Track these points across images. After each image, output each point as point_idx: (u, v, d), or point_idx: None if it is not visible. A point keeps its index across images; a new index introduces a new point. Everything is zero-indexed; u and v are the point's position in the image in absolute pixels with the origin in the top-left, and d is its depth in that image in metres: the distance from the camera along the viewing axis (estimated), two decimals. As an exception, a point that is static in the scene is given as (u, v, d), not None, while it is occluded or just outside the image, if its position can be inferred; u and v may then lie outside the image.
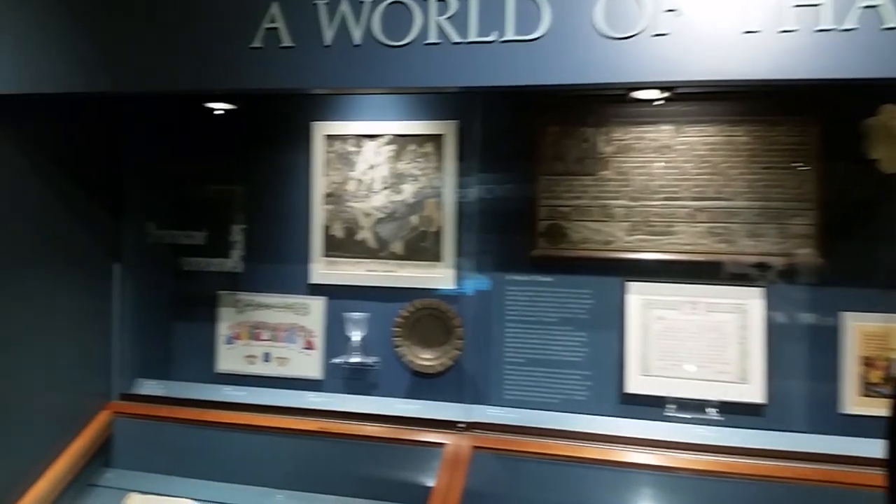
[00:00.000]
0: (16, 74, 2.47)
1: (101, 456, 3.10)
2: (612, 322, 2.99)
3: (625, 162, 2.97)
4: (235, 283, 3.40)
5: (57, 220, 2.90)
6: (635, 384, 2.95)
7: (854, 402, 2.77)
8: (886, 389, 2.73)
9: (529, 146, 3.05)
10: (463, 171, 3.15)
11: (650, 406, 2.92)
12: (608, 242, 2.99)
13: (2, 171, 2.62)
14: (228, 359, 3.42)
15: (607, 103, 2.96)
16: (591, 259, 3.01)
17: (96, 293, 3.15)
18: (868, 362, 2.76)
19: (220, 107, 3.19)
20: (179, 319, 3.49)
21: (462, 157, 3.16)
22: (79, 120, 3.02)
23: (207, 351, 3.43)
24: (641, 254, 2.95)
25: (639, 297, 2.96)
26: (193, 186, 3.41)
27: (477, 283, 3.15)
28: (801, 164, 2.80)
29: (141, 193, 3.32)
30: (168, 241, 3.37)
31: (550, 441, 2.84)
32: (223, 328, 3.43)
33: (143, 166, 3.32)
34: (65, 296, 2.96)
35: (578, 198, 3.02)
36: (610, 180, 2.98)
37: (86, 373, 3.11)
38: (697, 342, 2.89)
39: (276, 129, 3.36)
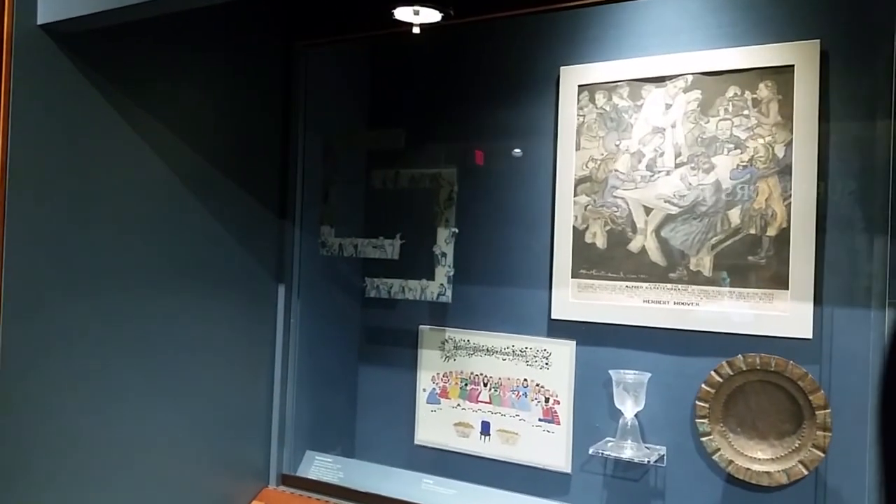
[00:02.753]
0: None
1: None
2: None
3: None
4: (442, 314, 2.29)
5: (206, 217, 1.98)
6: None
7: None
8: None
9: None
10: (833, 130, 1.78)
11: None
12: None
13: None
14: (430, 426, 2.31)
15: None
16: None
17: (254, 329, 2.19)
18: None
19: (423, 20, 1.83)
20: (364, 364, 2.45)
21: (828, 104, 1.78)
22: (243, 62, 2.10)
23: (402, 412, 2.35)
24: None
25: None
26: (383, 170, 2.35)
27: (855, 327, 1.74)
28: None
29: (314, 181, 2.33)
30: (349, 253, 2.33)
31: None
32: (424, 379, 2.33)
33: (314, 140, 2.32)
34: (212, 331, 2.03)
35: None
36: None
37: (235, 445, 2.15)
38: None
39: (503, 79, 2.22)
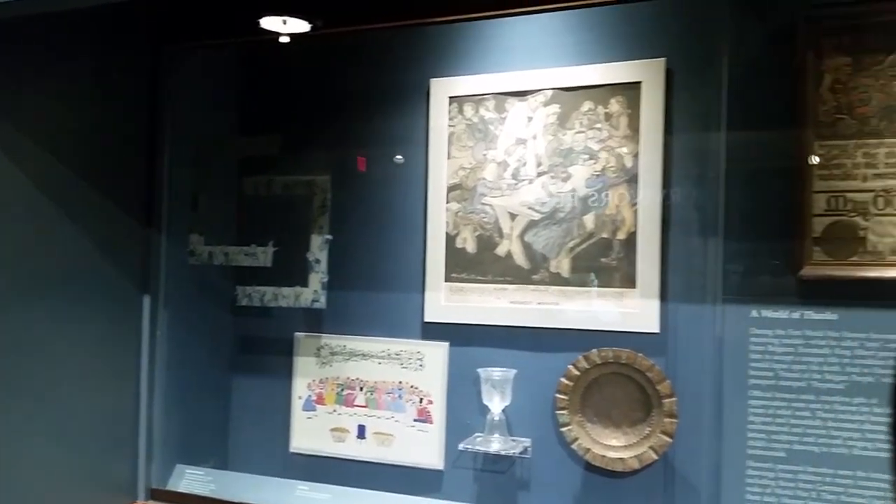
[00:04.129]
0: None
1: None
2: (959, 394, 1.68)
3: (978, 110, 1.69)
4: (316, 321, 2.31)
5: (66, 225, 1.90)
6: None
7: None
8: None
9: (793, 94, 1.82)
10: (675, 143, 1.96)
11: None
12: (948, 252, 1.70)
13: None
14: (306, 433, 2.32)
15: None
16: (913, 282, 1.73)
17: (119, 339, 2.12)
18: None
19: (291, 30, 1.89)
20: (237, 374, 2.42)
21: (671, 118, 1.96)
22: (104, 72, 2.03)
23: (277, 421, 2.34)
24: None
25: None
26: (255, 177, 2.35)
27: (697, 322, 1.93)
28: None
29: (183, 189, 2.28)
30: (220, 261, 2.30)
31: None
32: (300, 387, 2.33)
33: (182, 147, 2.28)
34: (74, 341, 1.95)
35: (886, 176, 1.75)
36: (948, 143, 1.71)
37: (100, 458, 2.07)
38: None
39: (375, 90, 2.28)
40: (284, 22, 1.71)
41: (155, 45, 2.17)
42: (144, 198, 2.18)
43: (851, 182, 1.78)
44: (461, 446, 2.05)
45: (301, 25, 1.76)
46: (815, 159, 1.79)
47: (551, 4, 1.93)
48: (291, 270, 2.23)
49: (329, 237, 2.20)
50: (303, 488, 2.13)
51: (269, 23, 1.74)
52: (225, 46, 2.24)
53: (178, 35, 2.16)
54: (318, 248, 2.19)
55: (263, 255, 2.21)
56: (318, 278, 2.20)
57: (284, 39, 1.72)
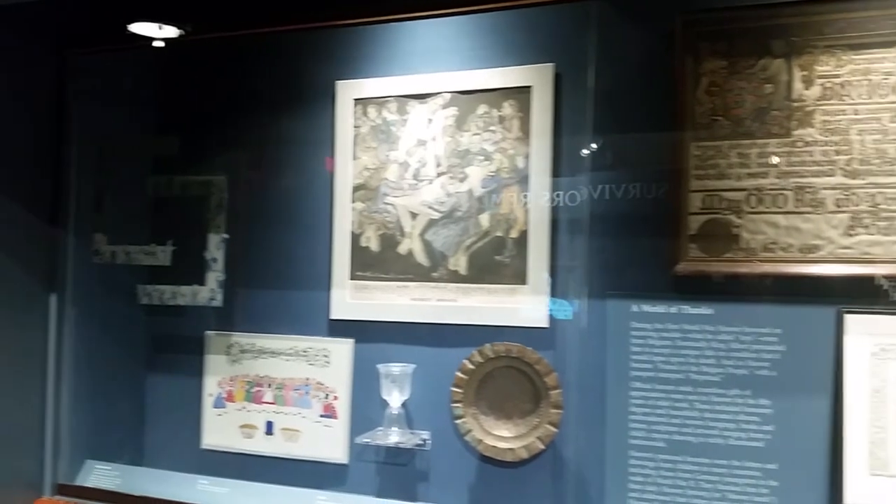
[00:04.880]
0: None
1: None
2: (819, 383, 1.76)
3: (840, 113, 1.77)
4: (228, 319, 2.35)
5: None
6: (861, 491, 1.70)
7: None
8: None
9: (672, 96, 1.89)
10: (563, 145, 2.02)
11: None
12: (811, 248, 1.78)
13: None
14: (217, 430, 2.35)
15: (807, 13, 1.79)
16: (780, 276, 1.80)
17: (25, 337, 2.14)
18: None
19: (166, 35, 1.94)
20: (149, 372, 2.45)
21: (560, 121, 2.03)
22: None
23: (189, 418, 2.37)
24: (870, 266, 1.73)
25: (868, 341, 1.73)
26: (156, 178, 2.37)
27: (583, 316, 1.99)
28: None
29: (87, 189, 2.31)
30: (122, 260, 2.32)
31: None
32: (210, 384, 2.37)
33: (87, 148, 2.31)
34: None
35: (757, 175, 1.83)
36: (813, 144, 1.78)
37: (4, 455, 2.08)
38: None
39: (279, 91, 2.32)
40: (161, 28, 1.75)
41: (60, 50, 2.20)
42: (50, 198, 2.21)
43: (726, 181, 1.85)
44: (360, 439, 2.10)
45: (173, 31, 1.80)
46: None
47: (446, 9, 2.01)
48: (189, 269, 2.27)
49: (226, 236, 2.24)
50: (203, 482, 2.17)
51: (145, 28, 1.77)
52: (129, 49, 2.27)
53: (84, 39, 2.19)
54: (216, 247, 2.23)
55: (163, 255, 2.25)
56: (214, 277, 2.24)
57: (159, 44, 1.76)
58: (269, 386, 2.31)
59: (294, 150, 2.31)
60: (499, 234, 2.07)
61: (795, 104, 1.79)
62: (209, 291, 2.25)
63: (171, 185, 2.33)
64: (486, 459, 2.03)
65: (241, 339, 2.35)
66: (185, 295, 2.27)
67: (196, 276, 2.26)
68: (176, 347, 2.41)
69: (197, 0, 1.94)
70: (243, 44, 2.33)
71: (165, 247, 2.26)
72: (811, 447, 1.76)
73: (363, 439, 2.09)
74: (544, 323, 2.01)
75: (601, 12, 2.00)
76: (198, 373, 2.37)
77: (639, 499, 1.89)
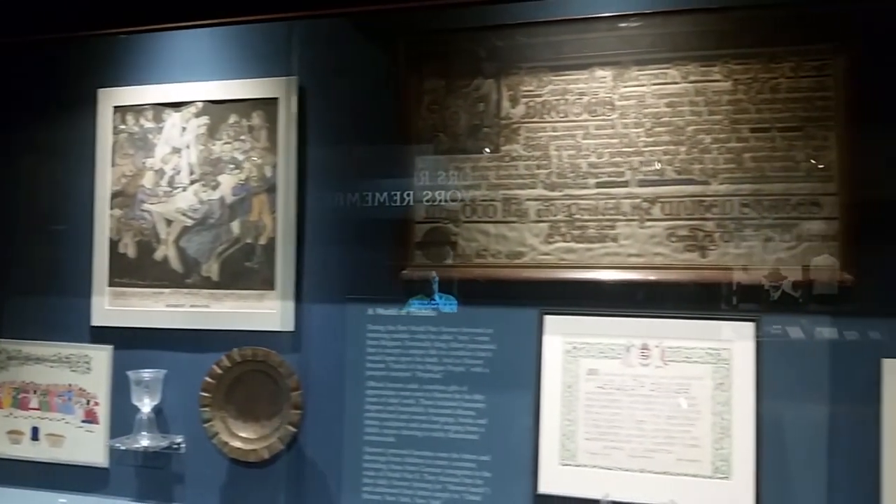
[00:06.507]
0: None
1: None
2: (524, 379, 1.91)
3: (541, 130, 1.91)
4: (-6, 326, 2.33)
5: None
6: (552, 480, 1.85)
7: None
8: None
9: (398, 112, 2.00)
10: (309, 154, 2.11)
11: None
12: (516, 255, 1.92)
13: None
14: (-17, 437, 2.33)
15: (515, 36, 1.92)
16: (491, 280, 1.94)
17: None
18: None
19: None
20: None
21: (306, 132, 2.11)
22: None
23: (-47, 426, 2.34)
24: (566, 271, 1.88)
25: (561, 340, 1.88)
26: None
27: (325, 320, 2.09)
28: (817, 122, 1.75)
29: None
30: None
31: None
32: (-24, 392, 2.35)
33: None
34: None
35: (472, 187, 1.96)
36: (518, 159, 1.92)
37: None
38: (651, 411, 1.81)
39: (42, 97, 2.31)
40: None
41: None
42: None
43: (445, 192, 1.98)
44: (112, 443, 2.13)
45: None
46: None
47: (197, 21, 2.04)
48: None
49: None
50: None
51: None
52: None
53: None
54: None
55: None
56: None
57: None
58: (35, 392, 2.31)
59: (57, 156, 2.31)
60: (249, 240, 2.13)
61: (503, 122, 1.93)
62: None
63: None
64: (234, 461, 2.09)
65: (7, 345, 2.33)
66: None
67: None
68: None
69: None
70: (5, 50, 2.30)
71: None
72: (518, 440, 1.90)
73: (116, 444, 2.12)
74: (291, 327, 2.09)
75: (341, 29, 2.09)
76: (-39, 381, 2.34)
77: (371, 493, 2.00)
